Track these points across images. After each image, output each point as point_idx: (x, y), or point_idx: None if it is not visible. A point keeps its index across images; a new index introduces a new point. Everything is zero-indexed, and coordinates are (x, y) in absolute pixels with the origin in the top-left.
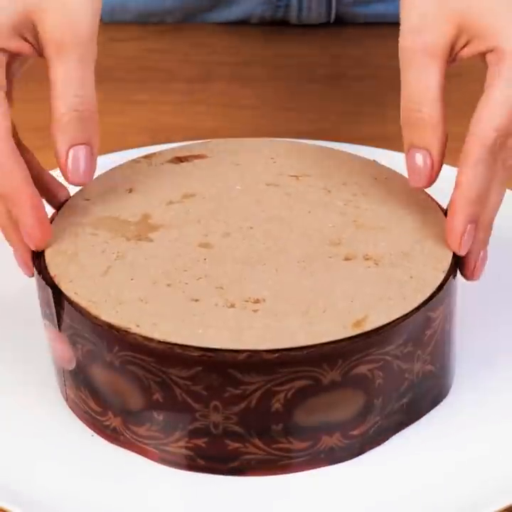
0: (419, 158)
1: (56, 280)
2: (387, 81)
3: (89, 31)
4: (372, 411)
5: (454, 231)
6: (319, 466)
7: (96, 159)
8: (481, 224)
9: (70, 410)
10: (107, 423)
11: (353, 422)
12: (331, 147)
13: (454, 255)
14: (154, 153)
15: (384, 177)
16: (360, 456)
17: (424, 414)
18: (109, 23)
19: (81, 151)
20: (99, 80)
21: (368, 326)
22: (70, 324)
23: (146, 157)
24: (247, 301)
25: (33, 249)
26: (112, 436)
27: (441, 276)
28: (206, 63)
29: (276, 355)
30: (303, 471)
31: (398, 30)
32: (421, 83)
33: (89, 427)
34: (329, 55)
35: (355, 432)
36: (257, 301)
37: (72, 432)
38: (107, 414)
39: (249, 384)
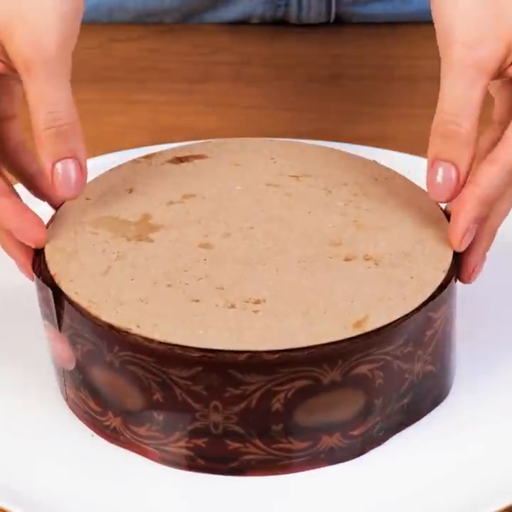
0: (444, 170)
1: (56, 279)
2: (386, 81)
3: (56, 46)
4: (373, 411)
5: (458, 227)
6: (319, 467)
7: (85, 171)
8: (487, 230)
9: (70, 410)
10: (107, 423)
11: (353, 422)
12: (331, 147)
13: (455, 256)
14: (154, 154)
15: (384, 177)
16: (361, 457)
17: (424, 415)
18: (109, 23)
19: (67, 165)
20: (99, 80)
21: (369, 327)
22: (70, 324)
23: (146, 157)
24: (247, 301)
25: (34, 247)
26: (112, 436)
27: (442, 276)
28: (206, 63)
29: (277, 355)
30: (303, 471)
31: (398, 30)
32: (464, 97)
33: (89, 427)
34: (329, 55)
35: (355, 432)
36: (257, 302)
37: (72, 432)
38: (107, 414)
39: (250, 384)
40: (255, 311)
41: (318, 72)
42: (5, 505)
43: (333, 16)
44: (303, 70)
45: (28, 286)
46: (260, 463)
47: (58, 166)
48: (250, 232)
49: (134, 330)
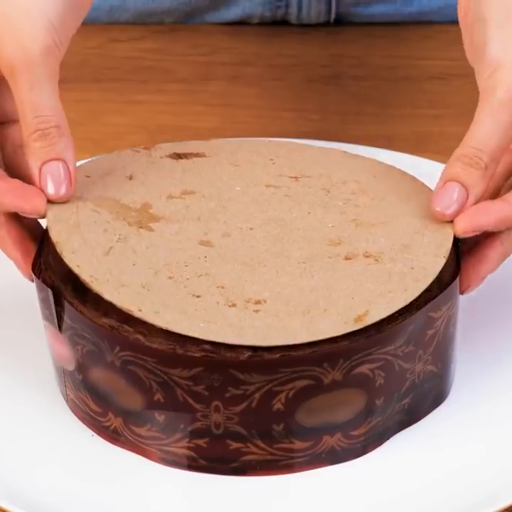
0: (455, 190)
1: (58, 248)
2: (387, 81)
3: (41, 52)
4: (374, 411)
5: (473, 221)
6: (320, 467)
7: (73, 173)
8: (499, 255)
9: (70, 411)
10: (108, 424)
11: (354, 422)
12: (331, 147)
13: (457, 256)
14: (153, 146)
15: (383, 174)
16: (361, 456)
17: (425, 415)
18: (109, 23)
19: (53, 167)
20: (99, 80)
21: (369, 320)
22: (70, 325)
23: (145, 148)
24: (248, 301)
25: (36, 216)
26: (113, 436)
27: (442, 263)
28: (206, 63)
29: (278, 355)
30: (304, 471)
31: (399, 30)
32: (495, 137)
33: (90, 428)
34: (329, 55)
35: (356, 432)
36: (258, 302)
37: (72, 432)
38: (108, 414)
39: (251, 384)
40: (256, 311)
41: (318, 72)
42: (5, 505)
43: (333, 16)
44: (303, 70)
45: (29, 287)
46: (261, 463)
47: (45, 168)
48: (250, 233)
49: (136, 313)
